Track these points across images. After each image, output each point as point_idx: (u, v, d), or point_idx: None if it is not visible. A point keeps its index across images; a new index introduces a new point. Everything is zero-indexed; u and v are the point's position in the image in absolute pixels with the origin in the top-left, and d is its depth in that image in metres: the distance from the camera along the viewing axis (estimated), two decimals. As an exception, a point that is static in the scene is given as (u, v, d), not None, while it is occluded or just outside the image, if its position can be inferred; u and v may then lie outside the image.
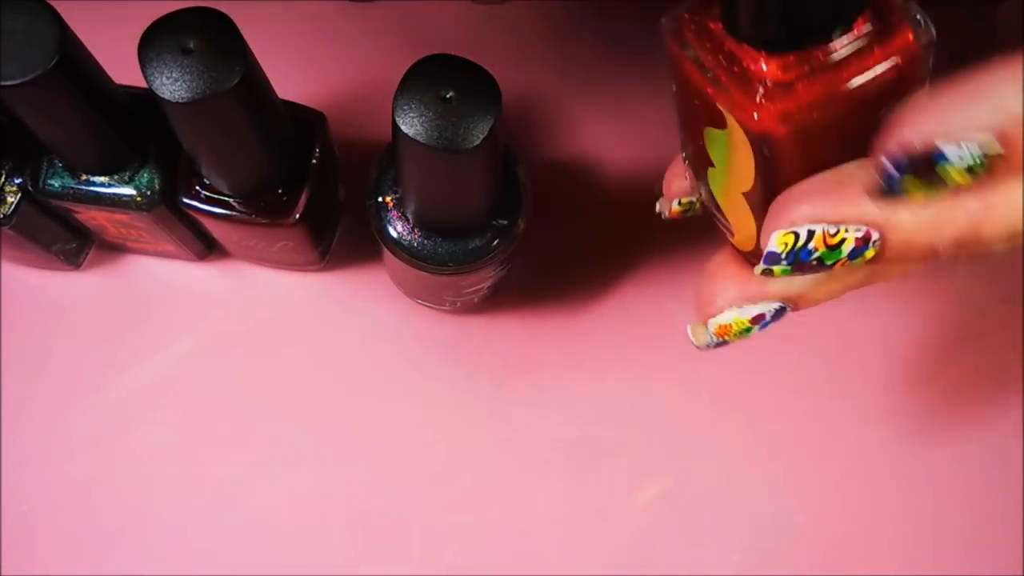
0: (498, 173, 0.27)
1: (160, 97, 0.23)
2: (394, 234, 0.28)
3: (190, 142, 0.26)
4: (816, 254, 0.20)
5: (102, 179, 0.29)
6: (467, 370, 0.35)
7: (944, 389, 0.35)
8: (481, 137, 0.22)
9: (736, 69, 0.19)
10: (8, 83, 0.23)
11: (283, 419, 0.34)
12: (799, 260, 0.20)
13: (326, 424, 0.34)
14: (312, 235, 0.31)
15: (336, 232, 0.35)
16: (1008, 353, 0.36)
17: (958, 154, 0.18)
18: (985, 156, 0.18)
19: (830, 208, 0.20)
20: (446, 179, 0.25)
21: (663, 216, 0.27)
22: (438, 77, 0.23)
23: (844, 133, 0.20)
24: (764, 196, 0.21)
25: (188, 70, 0.23)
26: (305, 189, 0.29)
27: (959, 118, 0.18)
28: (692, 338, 0.25)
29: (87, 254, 0.35)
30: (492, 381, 0.35)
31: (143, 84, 0.23)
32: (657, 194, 0.27)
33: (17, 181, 0.30)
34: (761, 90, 0.19)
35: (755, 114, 0.19)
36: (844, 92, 0.19)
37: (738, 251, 0.24)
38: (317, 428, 0.34)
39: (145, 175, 0.29)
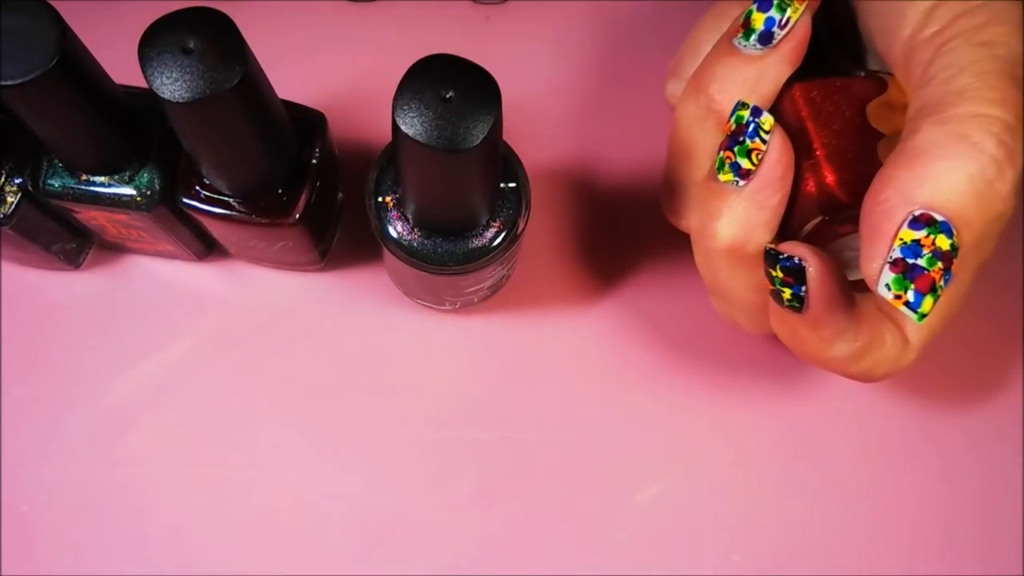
0: (498, 173, 0.28)
1: (160, 97, 0.23)
2: (394, 234, 0.28)
3: (190, 142, 0.26)
4: None
5: (102, 179, 0.29)
6: (467, 370, 0.35)
7: (944, 389, 0.35)
8: (481, 137, 0.22)
9: None
10: (8, 83, 0.23)
11: (283, 419, 0.34)
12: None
13: (326, 424, 0.34)
14: (312, 235, 0.31)
15: (336, 232, 0.35)
16: (1009, 353, 0.36)
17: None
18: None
19: None
20: (446, 179, 0.25)
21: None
22: (438, 77, 0.23)
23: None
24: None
25: (188, 70, 0.23)
26: (305, 189, 0.29)
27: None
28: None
29: (87, 254, 0.35)
30: (492, 381, 0.35)
31: (143, 84, 0.23)
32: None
33: (17, 181, 0.30)
34: None
35: None
36: None
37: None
38: (317, 428, 0.34)
39: (145, 175, 0.29)
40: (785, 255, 0.24)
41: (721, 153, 0.25)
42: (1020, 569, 0.33)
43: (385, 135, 0.25)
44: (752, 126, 0.24)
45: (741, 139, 0.24)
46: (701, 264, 0.28)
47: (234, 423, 0.34)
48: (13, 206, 0.30)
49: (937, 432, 0.35)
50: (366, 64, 0.38)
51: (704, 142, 0.26)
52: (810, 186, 0.25)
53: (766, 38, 0.25)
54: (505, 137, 0.26)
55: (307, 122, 0.30)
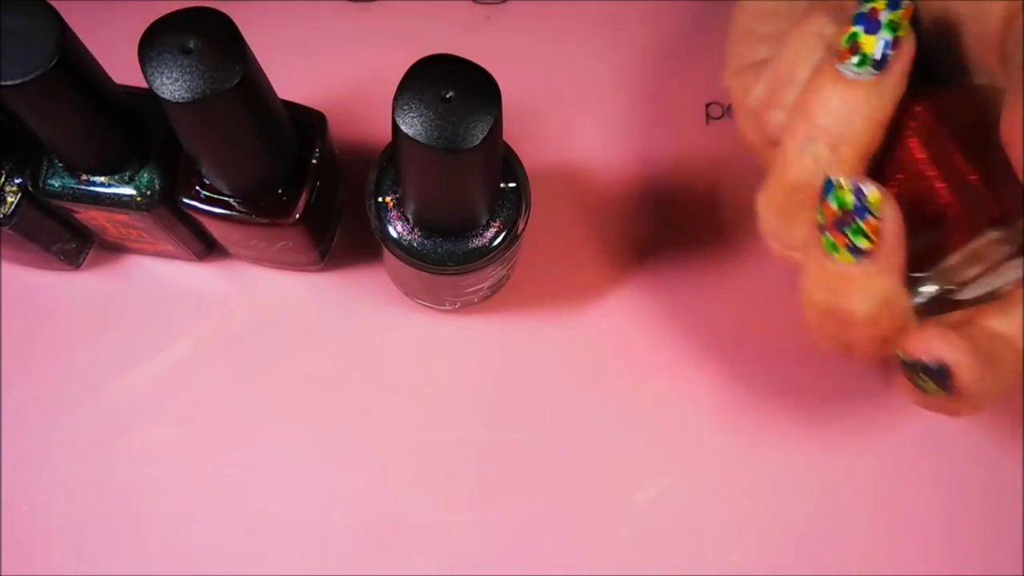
0: (498, 173, 0.28)
1: (160, 97, 0.23)
2: (394, 234, 0.28)
3: (190, 142, 0.26)
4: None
5: (102, 179, 0.29)
6: (467, 370, 0.35)
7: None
8: (481, 137, 0.22)
9: None
10: (8, 83, 0.23)
11: (283, 419, 0.34)
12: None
13: (326, 424, 0.34)
14: (312, 235, 0.31)
15: (336, 232, 0.35)
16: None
17: None
18: None
19: None
20: (446, 179, 0.25)
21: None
22: (438, 77, 0.23)
23: None
24: None
25: (188, 70, 0.23)
26: (305, 189, 0.29)
27: None
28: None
29: (87, 254, 0.35)
30: (492, 381, 0.35)
31: (143, 84, 0.23)
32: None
33: (17, 181, 0.30)
34: None
35: None
36: None
37: None
38: (317, 428, 0.34)
39: (145, 175, 0.29)
40: (931, 363, 0.23)
41: (828, 236, 0.23)
42: (1020, 569, 0.33)
43: (385, 135, 0.25)
44: (859, 206, 0.23)
45: (851, 222, 0.23)
46: (817, 324, 0.26)
47: (234, 423, 0.34)
48: (13, 206, 0.30)
49: (937, 432, 0.35)
50: (366, 64, 0.38)
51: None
52: (957, 209, 0.24)
53: (881, 63, 0.23)
54: (505, 137, 0.26)
55: (307, 122, 0.30)
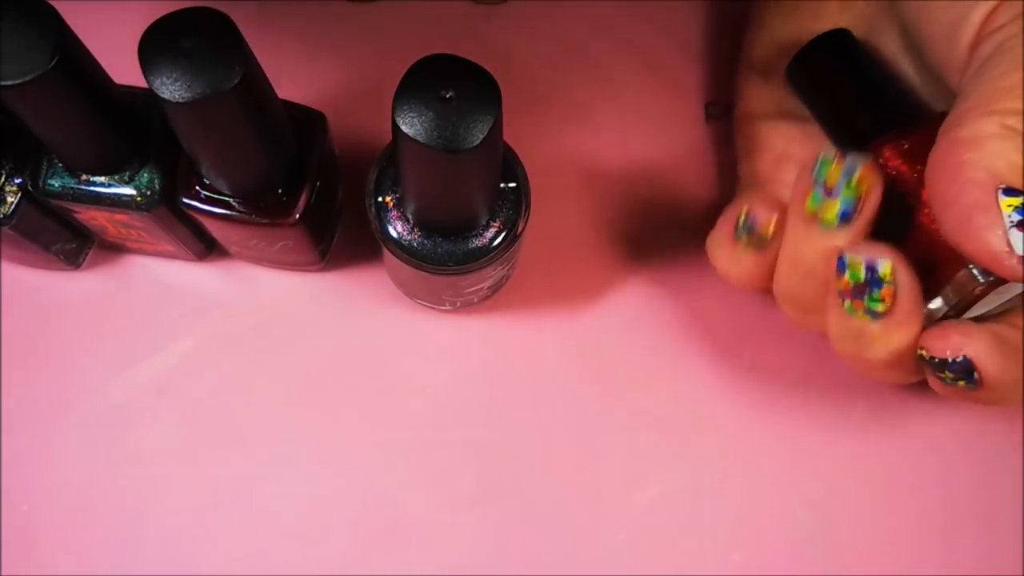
0: (498, 173, 0.28)
1: (160, 97, 0.23)
2: (394, 234, 0.28)
3: (190, 142, 0.26)
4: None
5: (102, 179, 0.29)
6: (467, 370, 0.35)
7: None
8: (481, 137, 0.22)
9: None
10: (8, 83, 0.23)
11: (283, 419, 0.34)
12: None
13: (326, 424, 0.34)
14: (312, 235, 0.31)
15: (336, 232, 0.35)
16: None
17: None
18: None
19: None
20: (446, 179, 0.25)
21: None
22: (438, 77, 0.23)
23: None
24: None
25: (188, 70, 0.23)
26: (305, 189, 0.29)
27: None
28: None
29: (87, 254, 0.35)
30: (492, 381, 0.35)
31: (143, 84, 0.23)
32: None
33: (17, 181, 0.30)
34: None
35: None
36: None
37: None
38: (317, 428, 0.34)
39: (145, 175, 0.29)
40: (951, 359, 0.23)
41: (849, 302, 0.24)
42: (1020, 569, 0.33)
43: (385, 135, 0.25)
44: (872, 281, 0.24)
45: (867, 292, 0.24)
46: (846, 362, 0.27)
47: (234, 423, 0.34)
48: (13, 206, 0.30)
49: (937, 432, 0.35)
50: (366, 64, 0.38)
51: None
52: (940, 240, 0.24)
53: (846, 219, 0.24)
54: (505, 137, 0.26)
55: (307, 122, 0.30)
